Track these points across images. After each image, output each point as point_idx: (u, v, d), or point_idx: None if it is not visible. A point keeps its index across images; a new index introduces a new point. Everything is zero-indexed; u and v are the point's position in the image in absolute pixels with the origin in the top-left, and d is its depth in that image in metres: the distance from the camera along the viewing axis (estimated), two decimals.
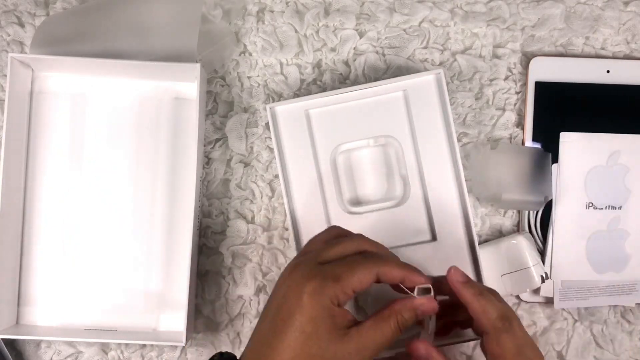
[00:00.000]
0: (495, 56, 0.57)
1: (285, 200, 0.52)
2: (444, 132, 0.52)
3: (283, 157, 0.53)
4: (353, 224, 0.50)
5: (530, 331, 0.55)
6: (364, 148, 0.53)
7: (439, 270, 0.50)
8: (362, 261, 0.40)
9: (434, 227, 0.52)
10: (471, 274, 0.51)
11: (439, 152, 0.52)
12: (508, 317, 0.41)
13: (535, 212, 0.55)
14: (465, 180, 0.52)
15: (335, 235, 0.44)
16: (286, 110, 0.53)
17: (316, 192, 0.53)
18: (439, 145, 0.52)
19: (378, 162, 0.54)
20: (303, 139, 0.52)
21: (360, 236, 0.44)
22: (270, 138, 0.56)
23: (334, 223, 0.52)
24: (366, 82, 0.56)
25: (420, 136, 0.52)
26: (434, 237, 0.52)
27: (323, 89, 0.56)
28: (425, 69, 0.56)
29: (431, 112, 0.52)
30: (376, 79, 0.56)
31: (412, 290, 0.41)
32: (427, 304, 0.41)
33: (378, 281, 0.40)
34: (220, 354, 0.43)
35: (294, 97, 0.56)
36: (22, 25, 0.57)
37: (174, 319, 0.54)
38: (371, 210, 0.53)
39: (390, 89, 0.52)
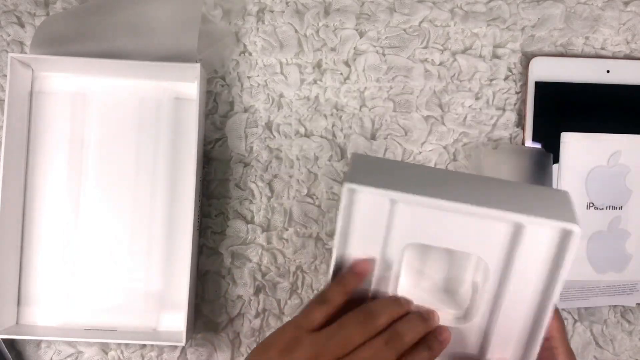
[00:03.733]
0: (495, 56, 0.57)
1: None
2: (540, 290, 0.40)
3: (346, 242, 0.41)
4: None
5: None
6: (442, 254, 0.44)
7: None
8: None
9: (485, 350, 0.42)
10: None
11: (530, 290, 0.40)
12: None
13: None
14: None
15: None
16: (368, 195, 0.40)
17: (367, 283, 0.42)
18: (533, 286, 0.40)
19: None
20: (376, 231, 0.41)
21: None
22: (271, 138, 0.56)
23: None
24: (366, 81, 0.56)
25: (512, 281, 0.40)
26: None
27: (323, 88, 0.56)
28: (426, 70, 0.56)
29: (535, 267, 0.39)
30: (377, 79, 0.56)
31: None
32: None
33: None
34: None
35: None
36: (22, 25, 0.57)
37: (174, 319, 0.54)
38: None
39: (501, 218, 0.38)
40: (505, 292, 0.40)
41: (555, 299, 0.39)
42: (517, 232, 0.38)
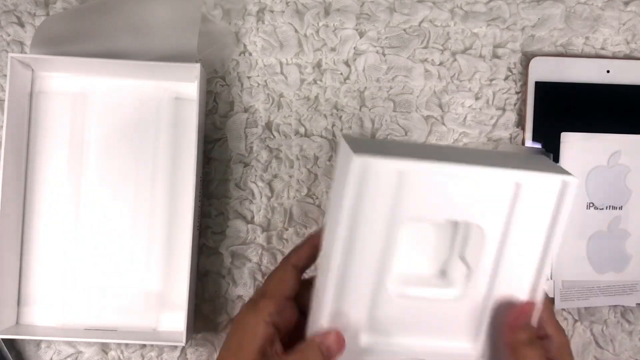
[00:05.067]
0: (495, 56, 0.57)
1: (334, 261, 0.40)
2: (542, 243, 0.41)
3: (355, 220, 0.39)
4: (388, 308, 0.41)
5: None
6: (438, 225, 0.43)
7: None
8: (277, 267, 0.42)
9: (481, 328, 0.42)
10: None
11: (527, 257, 0.41)
12: None
13: None
14: None
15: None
16: (378, 169, 0.37)
17: (371, 262, 0.40)
18: (530, 250, 0.41)
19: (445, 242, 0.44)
20: (381, 203, 0.38)
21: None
22: (271, 138, 0.56)
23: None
24: (366, 81, 0.56)
25: (512, 235, 0.40)
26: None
27: (323, 88, 0.56)
28: (426, 70, 0.56)
29: (538, 219, 0.40)
30: (376, 79, 0.56)
31: None
32: (333, 345, 0.39)
33: (302, 271, 0.42)
34: None
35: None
36: (22, 25, 0.57)
37: (174, 319, 0.54)
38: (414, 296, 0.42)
39: (504, 176, 0.39)
40: (503, 259, 0.41)
41: (554, 252, 0.41)
42: (516, 193, 0.39)
